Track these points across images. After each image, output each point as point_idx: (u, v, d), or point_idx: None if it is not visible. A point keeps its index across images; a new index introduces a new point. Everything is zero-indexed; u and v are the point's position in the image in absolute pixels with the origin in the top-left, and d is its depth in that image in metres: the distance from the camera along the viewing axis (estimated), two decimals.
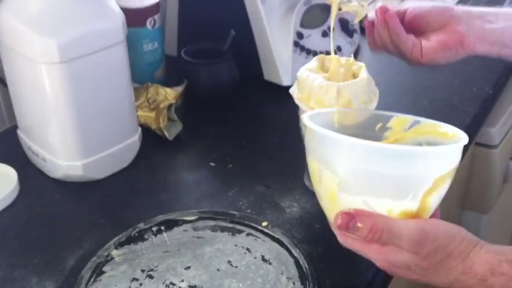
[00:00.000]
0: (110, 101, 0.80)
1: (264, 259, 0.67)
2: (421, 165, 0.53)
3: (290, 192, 0.79)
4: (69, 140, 0.78)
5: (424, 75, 1.05)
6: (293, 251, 0.67)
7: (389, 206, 0.54)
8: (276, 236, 0.70)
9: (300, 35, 1.02)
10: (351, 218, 0.55)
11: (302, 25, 1.02)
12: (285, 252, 0.68)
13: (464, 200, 1.16)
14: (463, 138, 0.56)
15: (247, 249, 0.69)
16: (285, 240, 0.69)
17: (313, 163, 0.58)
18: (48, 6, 0.72)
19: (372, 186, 0.54)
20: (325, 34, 1.05)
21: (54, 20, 0.72)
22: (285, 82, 1.01)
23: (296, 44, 1.01)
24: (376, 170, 0.53)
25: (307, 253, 0.67)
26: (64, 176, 0.81)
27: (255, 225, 0.71)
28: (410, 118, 0.64)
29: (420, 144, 0.61)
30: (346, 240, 0.57)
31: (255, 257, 0.68)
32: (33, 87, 0.76)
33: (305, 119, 0.59)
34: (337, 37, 1.06)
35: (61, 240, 0.72)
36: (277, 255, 0.68)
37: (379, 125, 0.65)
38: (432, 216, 0.57)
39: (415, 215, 0.55)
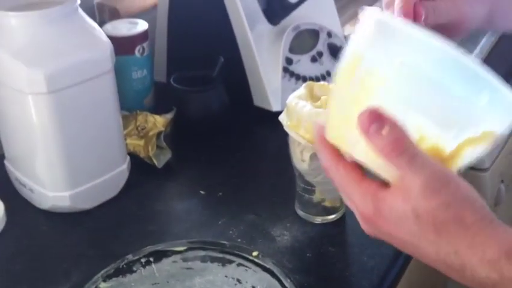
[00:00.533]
0: (98, 130, 0.79)
1: None
2: (485, 100, 0.44)
3: (280, 220, 0.78)
4: (57, 171, 0.77)
5: None
6: (284, 282, 0.66)
7: (425, 131, 0.45)
8: (267, 266, 0.69)
9: (289, 61, 1.02)
10: (379, 119, 0.44)
11: (291, 50, 1.03)
12: (276, 283, 0.67)
13: None
14: None
15: (238, 280, 0.68)
16: (276, 270, 0.68)
17: (356, 57, 0.47)
18: (35, 37, 0.72)
19: (423, 97, 0.44)
20: (314, 59, 1.05)
21: (41, 51, 0.72)
22: (275, 108, 1.01)
23: (285, 70, 1.02)
24: (438, 80, 0.44)
25: (298, 284, 0.66)
26: (52, 207, 0.80)
27: (246, 255, 0.71)
28: None
29: None
30: (338, 164, 0.47)
31: None
32: (20, 118, 0.75)
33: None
34: (326, 62, 1.06)
35: (48, 273, 0.71)
36: (268, 286, 0.67)
37: None
38: None
39: (443, 160, 0.45)
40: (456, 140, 0.45)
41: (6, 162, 0.85)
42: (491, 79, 0.45)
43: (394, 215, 0.45)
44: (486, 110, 0.45)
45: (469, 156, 0.46)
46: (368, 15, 0.47)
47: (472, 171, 1.07)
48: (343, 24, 1.25)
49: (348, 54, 0.48)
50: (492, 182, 1.09)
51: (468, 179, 1.12)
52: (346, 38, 1.17)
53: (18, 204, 0.82)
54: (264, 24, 1.03)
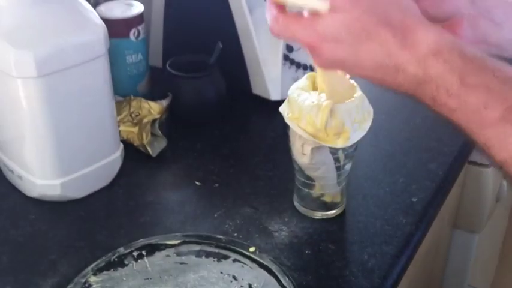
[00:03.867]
0: (90, 116, 0.76)
1: None
2: None
3: (278, 214, 0.75)
4: (46, 158, 0.74)
5: None
6: (282, 280, 0.64)
7: None
8: (264, 263, 0.66)
9: (289, 48, 0.99)
10: None
11: None
12: (274, 280, 0.64)
13: (456, 219, 1.14)
14: None
15: (234, 277, 0.65)
16: (273, 267, 0.65)
17: None
18: (24, 18, 0.68)
19: None
20: None
21: (31, 33, 0.68)
22: (274, 97, 0.97)
23: (285, 58, 0.98)
24: None
25: (296, 282, 0.64)
26: (40, 195, 0.77)
27: (242, 251, 0.68)
28: None
29: None
30: (277, 18, 0.51)
31: (241, 286, 0.64)
32: (9, 102, 0.72)
33: None
34: None
35: (35, 264, 0.68)
36: (265, 284, 0.64)
37: None
38: None
39: None
40: None
41: None
42: None
43: (329, 35, 0.48)
44: None
45: None
46: None
47: (475, 167, 1.05)
48: None
49: None
50: (494, 178, 1.07)
51: (470, 175, 1.09)
52: None
53: (6, 191, 0.79)
54: (264, 8, 0.99)
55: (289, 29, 0.51)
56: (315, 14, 0.49)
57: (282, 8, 0.52)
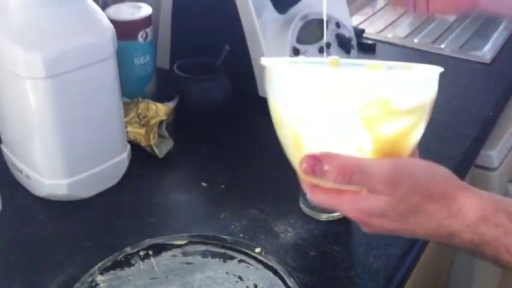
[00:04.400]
0: (98, 117, 0.76)
1: None
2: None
3: (284, 216, 0.75)
4: (54, 158, 0.75)
5: None
6: (287, 281, 0.64)
7: (359, 142, 0.49)
8: (270, 264, 0.66)
9: (296, 51, 0.99)
10: (316, 160, 0.50)
11: (298, 41, 1.00)
12: (279, 281, 0.65)
13: None
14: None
15: (239, 278, 0.66)
16: (279, 268, 0.66)
17: (274, 106, 0.54)
18: (33, 19, 0.69)
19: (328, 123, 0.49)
20: (322, 50, 1.02)
21: (40, 34, 0.69)
22: None
23: None
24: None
25: (302, 283, 0.64)
26: (48, 195, 0.78)
27: (248, 252, 0.68)
28: (382, 64, 0.58)
29: None
30: (315, 193, 0.52)
31: (247, 286, 0.65)
32: (17, 103, 0.73)
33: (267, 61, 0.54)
34: (334, 53, 1.03)
35: (43, 264, 0.69)
36: (270, 284, 0.65)
37: None
38: (411, 156, 0.53)
39: (388, 154, 0.50)
40: (364, 132, 0.49)
41: (3, 146, 0.82)
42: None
43: (376, 212, 0.50)
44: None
45: (387, 130, 0.49)
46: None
47: (481, 171, 1.05)
48: (352, 14, 1.22)
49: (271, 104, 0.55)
50: (500, 182, 1.07)
51: (477, 178, 1.10)
52: (354, 28, 1.14)
53: (14, 190, 0.80)
54: (271, 13, 1.01)
55: (330, 203, 0.52)
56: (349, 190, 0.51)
57: (315, 160, 0.51)
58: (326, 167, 0.49)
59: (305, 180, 0.54)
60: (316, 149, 0.51)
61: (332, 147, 0.50)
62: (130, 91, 0.93)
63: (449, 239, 0.50)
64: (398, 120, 0.49)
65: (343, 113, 0.49)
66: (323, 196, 0.52)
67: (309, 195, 0.53)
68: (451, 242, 0.50)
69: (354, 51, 1.09)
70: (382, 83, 0.48)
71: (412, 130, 0.51)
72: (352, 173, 0.49)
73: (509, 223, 0.48)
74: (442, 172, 0.51)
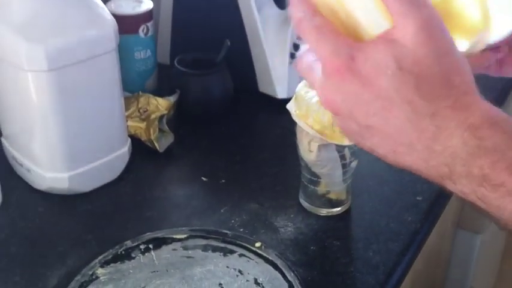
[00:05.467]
0: (99, 110, 0.76)
1: (256, 282, 0.65)
2: None
3: (284, 210, 0.76)
4: (55, 151, 0.75)
5: None
6: (287, 275, 0.65)
7: None
8: (270, 258, 0.67)
9: (296, 47, 0.99)
10: None
11: (299, 36, 1.00)
12: (279, 275, 0.65)
13: (460, 219, 1.14)
14: None
15: (240, 271, 0.66)
16: (279, 262, 0.66)
17: None
18: (36, 12, 0.69)
19: None
20: None
21: (43, 27, 0.69)
22: (281, 95, 0.98)
23: (292, 56, 0.99)
24: None
25: (302, 277, 0.64)
26: (49, 188, 0.78)
27: (248, 246, 0.69)
28: None
29: None
30: (313, 17, 0.40)
31: (247, 280, 0.65)
32: (19, 95, 0.73)
33: None
34: None
35: (44, 256, 0.69)
36: (270, 278, 0.65)
37: None
38: None
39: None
40: None
41: (3, 139, 0.82)
42: None
43: (369, 65, 0.39)
44: None
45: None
46: None
47: None
48: None
49: None
50: None
51: None
52: None
53: (15, 183, 0.80)
54: (271, 8, 1.01)
55: (317, 38, 0.41)
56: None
57: (313, 4, 0.41)
58: None
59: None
60: None
61: None
62: (131, 85, 0.93)
63: (432, 140, 0.39)
64: None
65: None
66: (321, 21, 0.40)
67: (303, 12, 0.41)
68: (426, 149, 0.40)
69: None
70: None
71: None
72: None
73: None
74: (468, 65, 0.41)
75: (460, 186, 0.40)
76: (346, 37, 0.40)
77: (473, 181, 0.39)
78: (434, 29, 0.39)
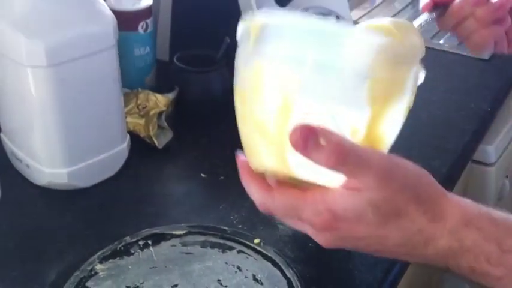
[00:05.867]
0: (98, 106, 0.76)
1: (255, 279, 0.65)
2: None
3: None
4: (54, 147, 0.75)
5: (423, 88, 1.03)
6: (286, 272, 0.65)
7: (355, 122, 0.44)
8: (269, 255, 0.67)
9: None
10: (312, 133, 0.42)
11: None
12: (278, 272, 0.65)
13: None
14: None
15: (238, 268, 0.66)
16: (277, 259, 0.66)
17: (258, 67, 0.45)
18: (36, 8, 0.69)
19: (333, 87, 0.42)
20: None
21: (42, 22, 0.69)
22: None
23: None
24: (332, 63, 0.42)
25: (300, 274, 0.64)
26: (48, 184, 0.78)
27: (247, 242, 0.69)
28: None
29: None
30: (270, 194, 0.46)
31: (246, 276, 0.65)
32: (18, 91, 0.73)
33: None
34: None
35: (42, 252, 0.69)
36: (269, 275, 0.65)
37: None
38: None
39: (377, 144, 0.45)
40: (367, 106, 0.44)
41: (2, 135, 0.82)
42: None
43: (350, 213, 0.44)
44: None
45: (390, 126, 0.46)
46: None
47: (478, 166, 1.06)
48: (351, 8, 1.22)
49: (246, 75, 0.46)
50: (497, 177, 1.08)
51: (473, 173, 1.10)
52: (354, 22, 1.15)
53: (13, 179, 0.80)
54: (271, 6, 1.01)
55: (288, 211, 0.46)
56: (316, 188, 0.45)
57: (264, 183, 0.46)
58: (322, 142, 0.42)
59: (256, 171, 0.47)
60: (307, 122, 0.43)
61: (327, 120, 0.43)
62: (130, 82, 0.93)
63: (424, 248, 0.46)
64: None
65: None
66: (281, 197, 0.45)
67: (260, 197, 0.47)
68: (422, 253, 0.46)
69: None
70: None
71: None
72: (347, 155, 0.42)
73: (491, 227, 0.45)
74: (426, 175, 0.47)
75: (457, 273, 0.47)
76: (312, 193, 0.45)
77: (465, 272, 0.46)
78: (387, 173, 0.44)
